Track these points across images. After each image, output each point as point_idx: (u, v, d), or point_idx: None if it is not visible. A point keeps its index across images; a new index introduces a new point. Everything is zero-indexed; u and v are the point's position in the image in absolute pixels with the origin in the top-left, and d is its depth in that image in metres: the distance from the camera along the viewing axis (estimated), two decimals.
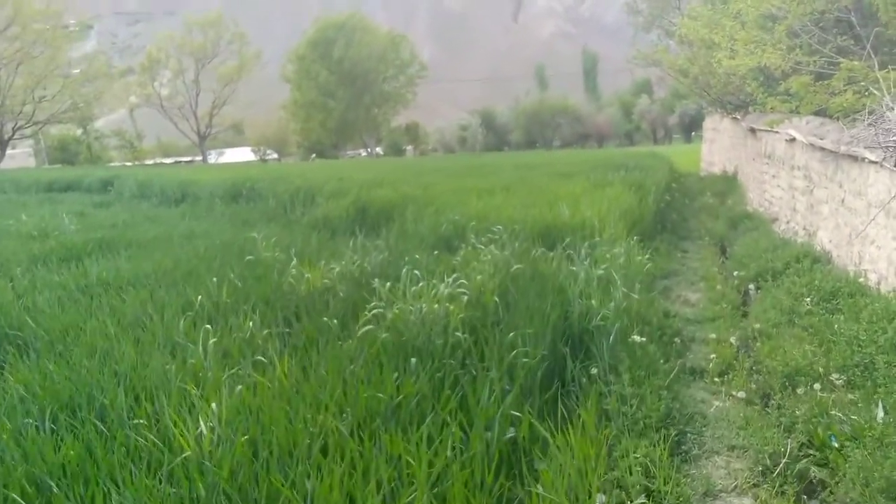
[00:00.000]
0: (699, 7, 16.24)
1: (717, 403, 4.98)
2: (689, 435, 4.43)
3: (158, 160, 69.31)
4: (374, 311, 4.96)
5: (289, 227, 12.32)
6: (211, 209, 15.20)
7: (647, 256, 7.67)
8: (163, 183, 19.85)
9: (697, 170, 27.62)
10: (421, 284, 5.22)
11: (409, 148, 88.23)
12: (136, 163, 51.44)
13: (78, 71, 41.88)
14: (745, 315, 7.32)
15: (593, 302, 5.42)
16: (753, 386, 5.18)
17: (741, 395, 4.97)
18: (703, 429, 4.55)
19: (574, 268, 6.15)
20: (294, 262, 6.90)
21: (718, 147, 23.63)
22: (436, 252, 7.87)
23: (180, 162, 63.56)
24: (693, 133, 65.04)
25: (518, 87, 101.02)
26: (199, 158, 58.80)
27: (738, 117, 18.06)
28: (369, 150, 79.34)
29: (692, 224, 13.43)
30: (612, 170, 14.64)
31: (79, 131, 49.75)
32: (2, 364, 5.33)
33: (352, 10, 77.16)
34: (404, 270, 5.59)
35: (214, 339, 4.87)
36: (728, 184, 19.28)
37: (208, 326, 5.01)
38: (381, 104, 76.14)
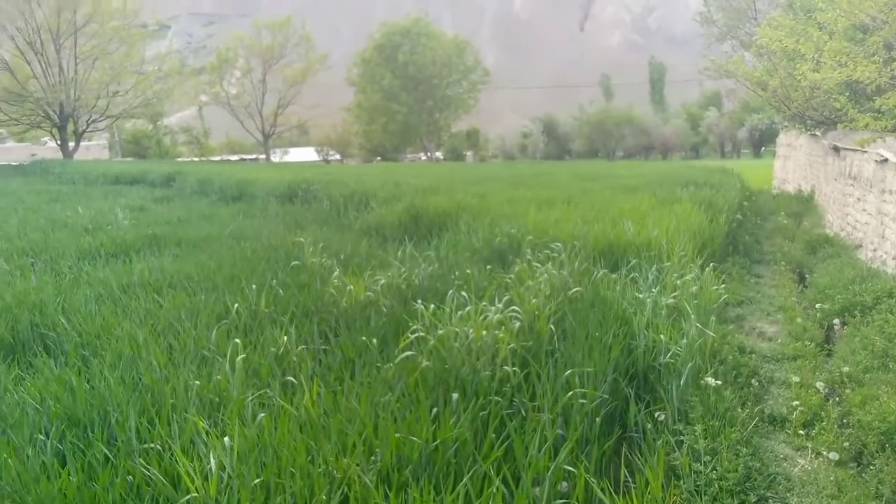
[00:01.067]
0: (780, 17, 15.28)
1: (802, 462, 4.33)
2: (770, 502, 3.81)
3: (225, 157, 71.11)
4: (416, 335, 4.49)
5: (340, 231, 12.04)
6: (265, 209, 15.07)
7: (721, 284, 6.97)
8: (222, 181, 19.95)
9: (769, 187, 26.33)
10: (468, 308, 4.72)
11: (469, 153, 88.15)
12: (203, 158, 52.65)
13: (153, 68, 43.03)
14: (829, 354, 6.57)
15: (662, 336, 4.82)
16: (846, 443, 4.50)
17: (832, 455, 4.30)
18: (788, 495, 3.92)
19: (640, 294, 5.56)
20: (336, 272, 6.51)
21: (793, 164, 22.39)
22: (488, 267, 7.37)
23: (245, 159, 64.94)
24: (763, 148, 62.74)
25: (583, 95, 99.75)
26: (262, 156, 59.80)
27: (819, 134, 16.97)
28: (429, 154, 79.51)
29: (766, 246, 12.54)
30: (680, 185, 13.84)
31: (149, 126, 51.17)
32: (30, 365, 5.10)
33: (418, 15, 77.43)
34: (450, 292, 5.11)
35: (243, 355, 4.50)
36: (804, 204, 18.16)
37: (237, 341, 4.63)
38: (444, 109, 76.15)
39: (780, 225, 15.07)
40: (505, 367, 4.16)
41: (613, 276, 6.62)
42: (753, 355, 6.33)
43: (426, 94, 72.84)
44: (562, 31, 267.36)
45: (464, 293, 5.35)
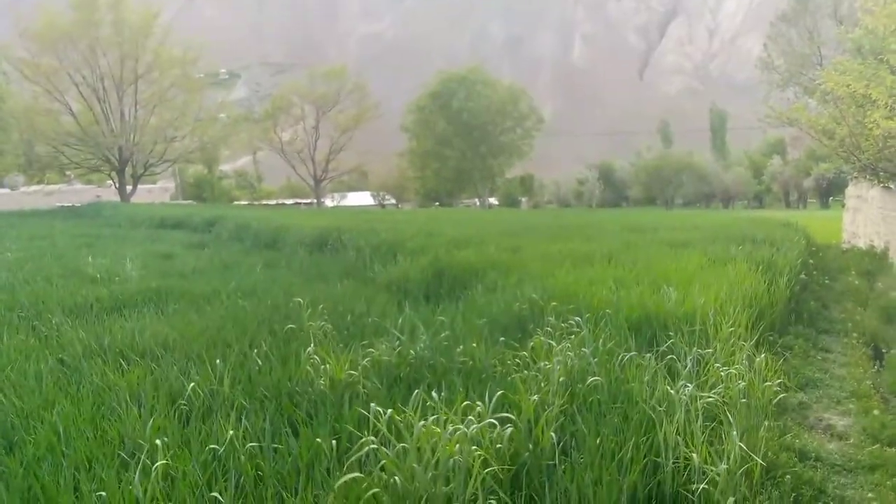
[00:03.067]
0: (847, 61, 14.03)
1: None
2: None
3: (282, 200, 72.41)
4: (366, 449, 3.55)
5: (363, 285, 11.26)
6: (292, 258, 14.49)
7: (777, 371, 5.81)
8: (258, 227, 19.61)
9: (838, 241, 24.49)
10: (433, 418, 3.73)
11: (524, 200, 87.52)
12: (255, 203, 53.37)
13: (211, 115, 44.04)
14: None
15: (695, 456, 3.74)
16: None
17: None
18: None
19: (672, 390, 4.48)
20: (310, 347, 5.64)
21: (864, 218, 20.67)
22: (502, 339, 6.39)
23: (299, 204, 65.86)
24: (831, 198, 59.88)
25: (641, 142, 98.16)
26: (314, 201, 60.42)
27: (893, 187, 15.45)
28: (482, 199, 79.12)
29: (834, 313, 11.13)
30: (736, 242, 12.58)
31: (206, 171, 52.38)
32: None
33: (474, 64, 78.08)
34: (415, 393, 4.14)
35: (164, 461, 3.64)
36: (877, 262, 16.52)
37: (161, 441, 3.78)
38: (497, 155, 75.88)
39: (850, 286, 13.57)
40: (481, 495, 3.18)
41: (645, 357, 5.53)
42: (819, 464, 5.12)
43: (479, 140, 72.77)
44: (620, 79, 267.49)
45: (435, 395, 4.35)
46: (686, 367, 5.18)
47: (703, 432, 4.03)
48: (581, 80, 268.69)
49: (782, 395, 5.78)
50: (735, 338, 6.36)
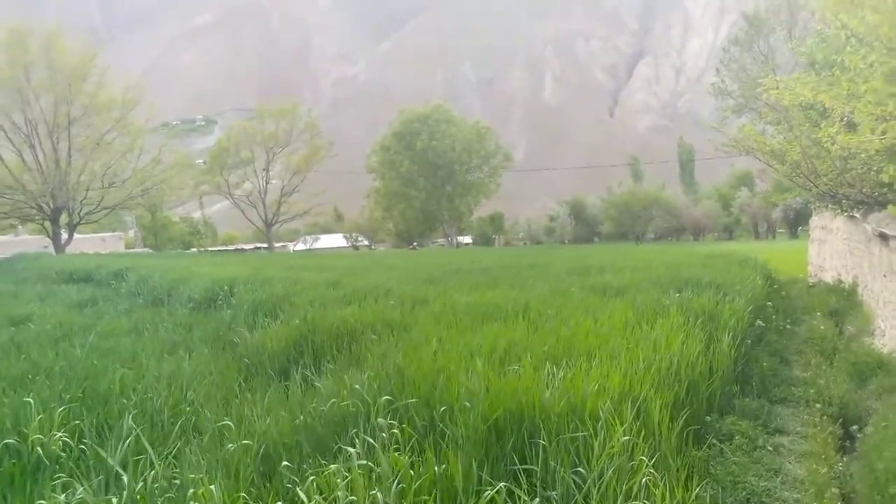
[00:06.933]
0: (798, 75, 12.34)
1: None
2: None
3: (241, 246, 69.98)
4: None
5: (222, 353, 9.15)
6: (172, 318, 12.29)
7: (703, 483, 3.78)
8: (160, 280, 17.37)
9: (805, 274, 22.80)
10: None
11: (497, 238, 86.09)
12: (202, 249, 50.87)
13: (150, 159, 41.81)
14: None
15: None
16: None
17: None
18: None
19: None
20: None
21: (830, 250, 18.99)
22: (285, 464, 4.28)
23: (258, 248, 63.54)
24: (800, 228, 58.87)
25: (613, 177, 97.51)
26: (264, 245, 57.95)
27: (858, 216, 13.68)
28: (450, 239, 77.30)
29: (795, 371, 9.16)
30: (677, 287, 10.61)
31: (149, 217, 49.88)
32: None
33: (438, 103, 77.07)
34: None
35: None
36: (845, 299, 14.72)
37: None
38: (463, 194, 74.40)
39: (814, 332, 11.68)
40: None
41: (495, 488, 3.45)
42: None
43: (445, 179, 71.28)
44: (591, 117, 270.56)
45: None
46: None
47: None
48: (553, 119, 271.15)
49: None
50: (631, 447, 4.31)
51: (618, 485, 3.96)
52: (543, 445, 4.40)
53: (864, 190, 10.95)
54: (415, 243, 75.16)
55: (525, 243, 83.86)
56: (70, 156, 38.33)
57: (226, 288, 13.73)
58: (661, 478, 4.25)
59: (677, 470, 4.67)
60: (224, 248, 61.78)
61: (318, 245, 78.42)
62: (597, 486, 3.91)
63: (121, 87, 40.26)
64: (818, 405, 7.28)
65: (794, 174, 12.90)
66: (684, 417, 5.43)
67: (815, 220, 21.49)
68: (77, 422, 5.66)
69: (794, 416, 7.13)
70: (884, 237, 10.00)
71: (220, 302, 13.41)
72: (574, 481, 4.09)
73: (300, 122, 55.48)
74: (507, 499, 3.87)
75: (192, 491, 3.69)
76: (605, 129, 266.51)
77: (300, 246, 76.88)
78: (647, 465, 4.11)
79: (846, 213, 14.20)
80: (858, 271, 14.71)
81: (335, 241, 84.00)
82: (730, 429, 6.15)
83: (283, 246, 73.45)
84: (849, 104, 7.59)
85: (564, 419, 4.65)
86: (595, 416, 4.65)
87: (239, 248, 65.63)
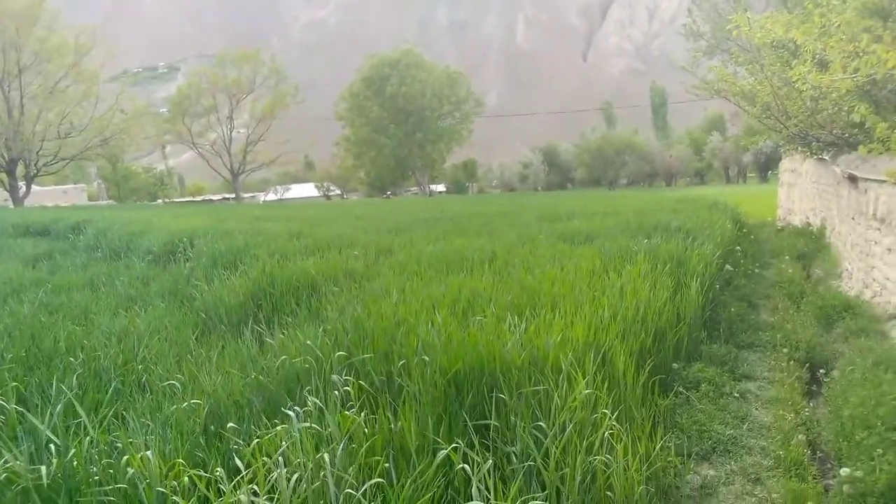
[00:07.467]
0: (769, 13, 11.99)
1: None
2: None
3: (208, 197, 68.51)
4: None
5: (178, 309, 8.82)
6: (123, 271, 11.86)
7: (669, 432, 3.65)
8: (119, 232, 16.82)
9: (774, 218, 22.95)
10: None
11: (470, 185, 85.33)
12: (167, 200, 49.66)
13: (108, 108, 40.25)
14: None
15: None
16: None
17: None
18: None
19: None
20: None
21: (799, 193, 19.03)
22: (231, 426, 4.04)
23: (227, 199, 62.34)
24: (770, 171, 59.32)
25: (587, 123, 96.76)
26: (232, 196, 56.72)
27: (827, 158, 13.59)
28: (422, 187, 76.41)
29: (763, 315, 9.12)
30: (646, 232, 10.46)
31: (109, 168, 48.35)
32: None
33: (408, 47, 75.03)
34: None
35: None
36: (813, 242, 14.76)
37: None
38: (435, 141, 73.12)
39: (783, 275, 11.66)
40: None
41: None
42: None
43: (416, 126, 69.88)
44: (564, 61, 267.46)
45: None
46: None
47: None
48: (526, 64, 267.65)
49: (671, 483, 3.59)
50: (594, 400, 4.14)
51: (579, 439, 3.80)
52: (504, 400, 4.23)
53: (835, 131, 10.79)
54: (388, 192, 74.25)
55: (500, 191, 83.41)
56: (23, 105, 36.71)
57: (185, 240, 13.29)
58: (625, 430, 4.12)
59: (642, 421, 4.55)
60: (191, 199, 60.47)
61: (288, 195, 76.98)
62: (557, 441, 3.74)
63: (72, 32, 38.39)
64: (785, 350, 7.23)
65: (764, 116, 12.67)
66: (650, 366, 5.30)
67: (784, 164, 21.47)
68: (15, 384, 5.36)
69: (761, 362, 7.08)
70: (853, 179, 9.89)
71: (178, 255, 12.99)
72: (536, 437, 3.92)
73: (264, 67, 53.66)
74: (466, 455, 3.70)
75: (126, 457, 3.44)
76: (578, 73, 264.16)
77: (271, 196, 75.47)
78: (609, 417, 3.95)
79: (816, 156, 14.10)
80: (827, 214, 14.72)
81: (307, 190, 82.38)
82: (696, 376, 6.04)
83: (253, 196, 72.01)
84: (820, 41, 7.32)
85: (525, 372, 4.47)
86: (557, 368, 4.47)
87: (207, 198, 64.34)
